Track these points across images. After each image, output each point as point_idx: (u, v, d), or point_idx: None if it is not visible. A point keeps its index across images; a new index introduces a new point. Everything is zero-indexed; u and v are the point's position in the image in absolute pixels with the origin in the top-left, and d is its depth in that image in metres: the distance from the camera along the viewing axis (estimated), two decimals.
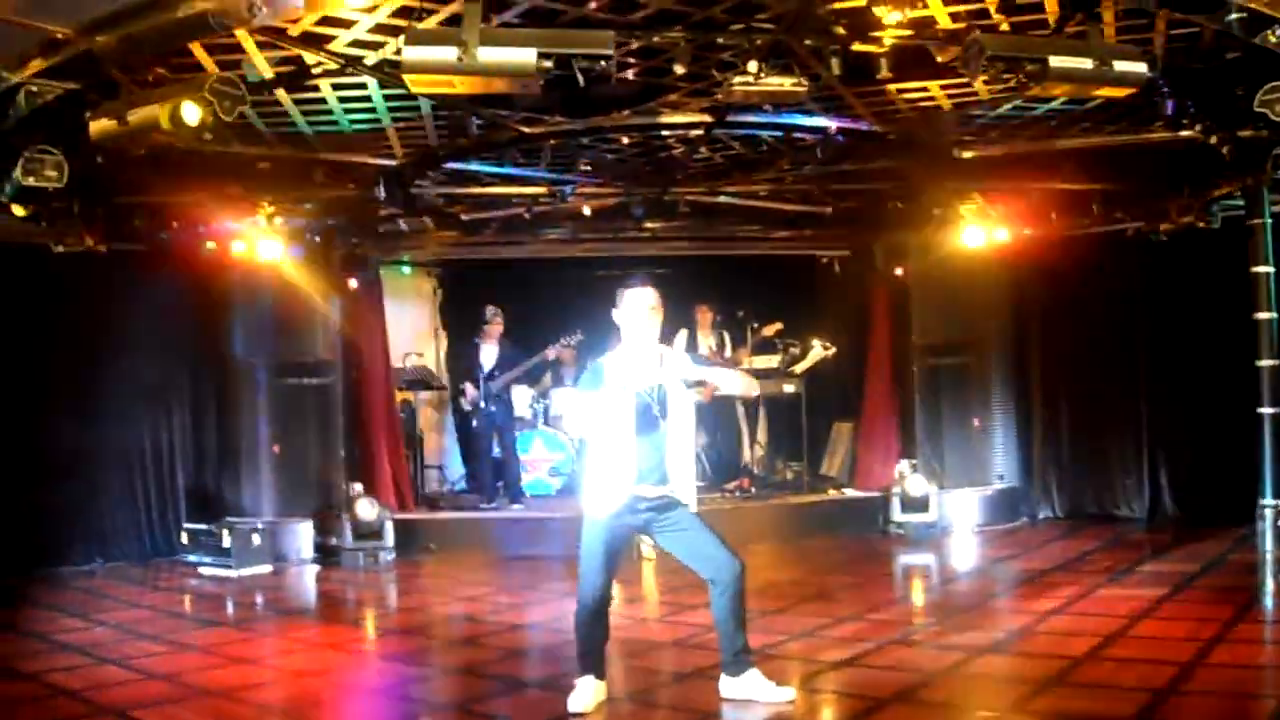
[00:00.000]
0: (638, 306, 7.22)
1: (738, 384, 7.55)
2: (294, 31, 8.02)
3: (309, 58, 8.54)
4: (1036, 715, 6.76)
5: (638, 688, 7.78)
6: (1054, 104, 10.31)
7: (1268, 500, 11.29)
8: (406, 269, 18.31)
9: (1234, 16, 7.30)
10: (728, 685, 7.14)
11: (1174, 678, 7.16)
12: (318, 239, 14.15)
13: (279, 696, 7.85)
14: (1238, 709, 6.68)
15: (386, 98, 9.77)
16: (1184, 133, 10.65)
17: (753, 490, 15.70)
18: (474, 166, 12.31)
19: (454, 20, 7.33)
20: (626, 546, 7.35)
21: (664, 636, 9.29)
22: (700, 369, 7.15)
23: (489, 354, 15.38)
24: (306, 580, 13.00)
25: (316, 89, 9.44)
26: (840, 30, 8.39)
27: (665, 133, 11.17)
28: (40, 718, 7.15)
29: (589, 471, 7.19)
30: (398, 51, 7.53)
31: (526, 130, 10.51)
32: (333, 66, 8.65)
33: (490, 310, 15.58)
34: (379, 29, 8.08)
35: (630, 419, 7.01)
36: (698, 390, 7.14)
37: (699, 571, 7.09)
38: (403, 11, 7.70)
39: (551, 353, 15.84)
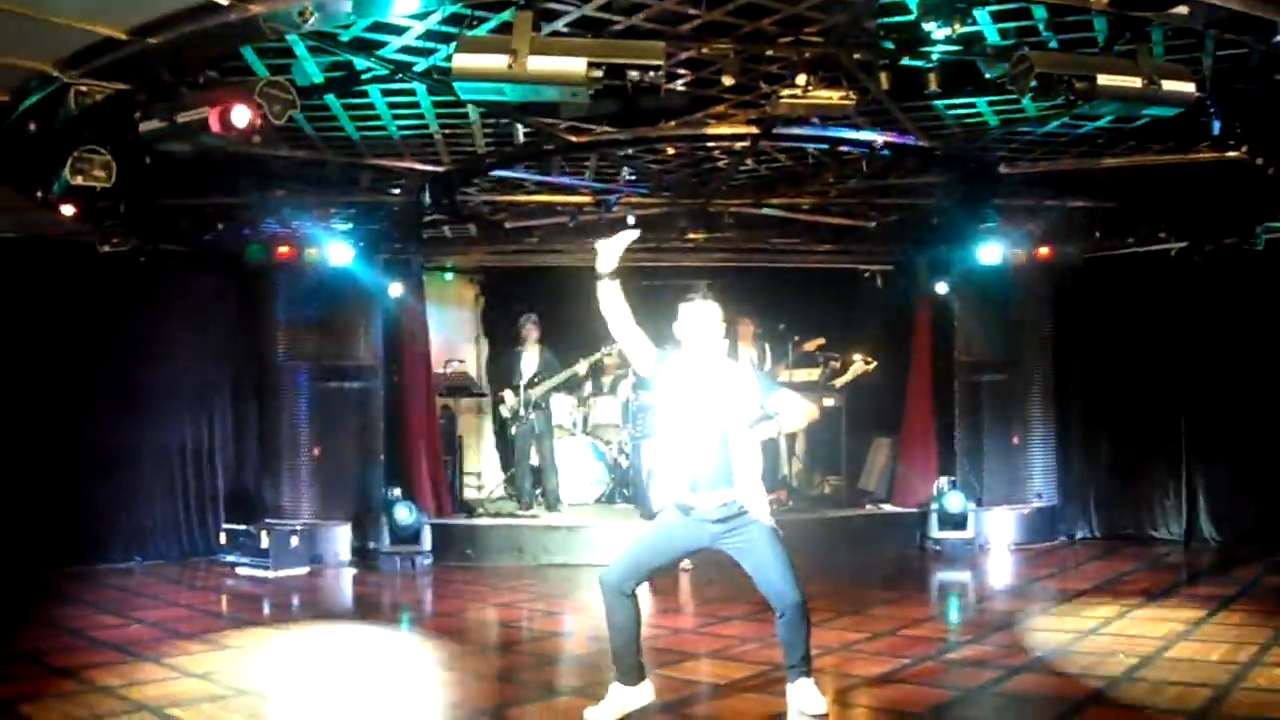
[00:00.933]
0: (697, 322, 7.22)
1: (800, 419, 7.45)
2: (345, 37, 8.06)
3: (359, 63, 8.58)
4: None
5: (674, 698, 7.77)
6: (1101, 122, 10.29)
7: None
8: (450, 275, 18.37)
9: None
10: (788, 689, 7.17)
11: (1210, 699, 7.12)
12: (362, 243, 14.21)
13: (314, 697, 7.87)
14: None
15: (435, 104, 9.81)
16: (1230, 153, 10.62)
17: (790, 503, 15.66)
18: (519, 174, 12.33)
19: (505, 29, 7.35)
20: (683, 553, 7.32)
21: (699, 648, 9.28)
22: (770, 393, 7.12)
23: (530, 361, 15.41)
24: (343, 583, 13.06)
25: (365, 94, 9.48)
26: (889, 45, 8.40)
27: (711, 144, 11.17)
28: (76, 713, 7.18)
29: (657, 475, 7.21)
30: (448, 59, 7.55)
31: (573, 139, 10.53)
32: (382, 72, 8.68)
33: (524, 318, 15.60)
34: (430, 35, 8.11)
35: (685, 424, 7.03)
36: (765, 427, 7.06)
37: (763, 594, 7.08)
38: (453, 19, 7.73)
39: (583, 368, 15.82)
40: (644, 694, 7.22)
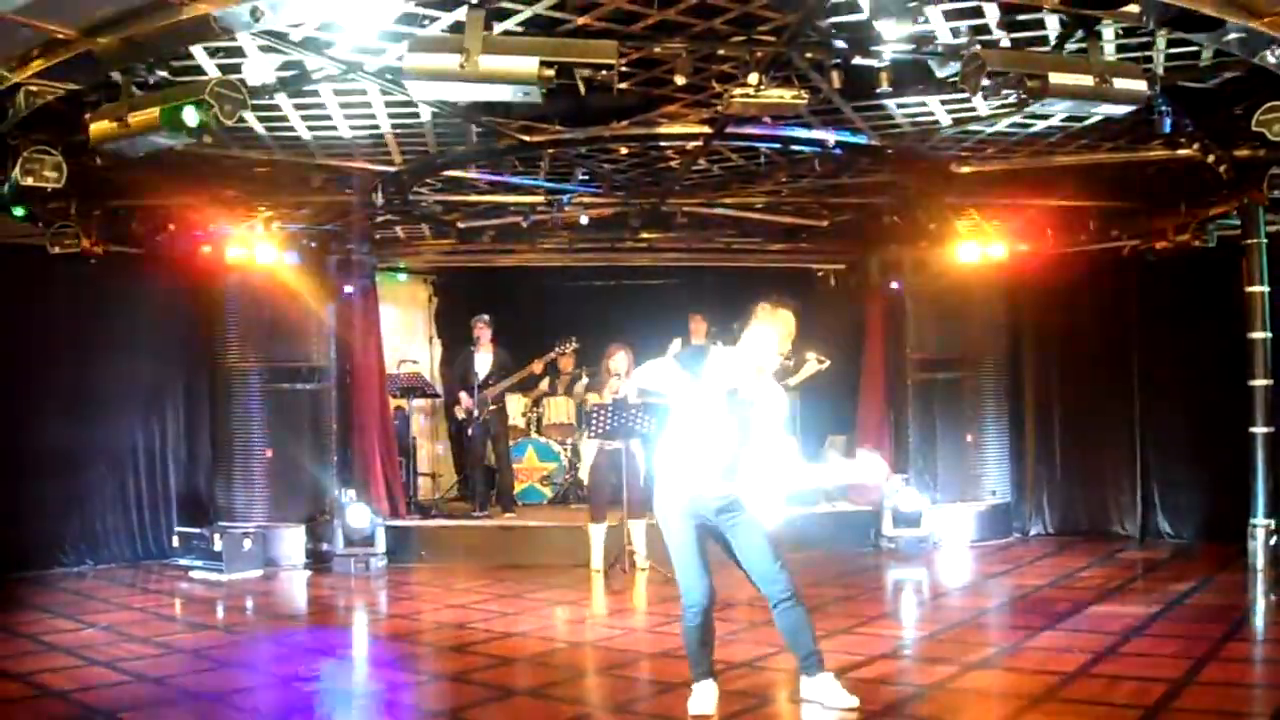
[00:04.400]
0: (783, 331, 7.13)
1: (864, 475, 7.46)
2: (296, 36, 8.02)
3: (310, 63, 8.54)
4: None
5: (624, 699, 7.77)
6: (1053, 121, 10.33)
7: (1259, 519, 11.34)
8: (402, 276, 18.35)
9: (1233, 36, 7.33)
10: (804, 685, 7.17)
11: (1165, 695, 7.15)
12: (314, 244, 14.16)
13: (268, 701, 7.83)
14: None
15: (387, 104, 9.78)
16: (1182, 151, 10.71)
17: None
18: (472, 174, 12.31)
19: (457, 28, 7.33)
20: (709, 541, 7.29)
21: (650, 648, 9.28)
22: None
23: (483, 361, 15.34)
24: (297, 585, 12.99)
25: (317, 94, 9.44)
26: (841, 44, 8.41)
27: (663, 144, 11.18)
28: (29, 719, 7.13)
29: (664, 469, 7.15)
30: (400, 58, 7.53)
31: (525, 139, 10.51)
32: (334, 72, 8.65)
33: (477, 318, 15.53)
34: (382, 35, 8.09)
35: (719, 417, 7.00)
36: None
37: (759, 589, 7.08)
38: (406, 18, 7.71)
39: (538, 366, 15.82)
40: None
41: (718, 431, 6.98)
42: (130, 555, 13.93)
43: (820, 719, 7.11)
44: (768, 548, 7.01)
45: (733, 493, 7.02)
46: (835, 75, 8.60)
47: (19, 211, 10.52)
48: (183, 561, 13.52)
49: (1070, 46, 7.92)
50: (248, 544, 13.23)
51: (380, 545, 13.57)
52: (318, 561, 13.81)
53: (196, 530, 13.60)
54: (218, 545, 13.05)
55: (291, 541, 13.99)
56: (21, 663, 8.67)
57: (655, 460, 7.32)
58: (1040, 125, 10.62)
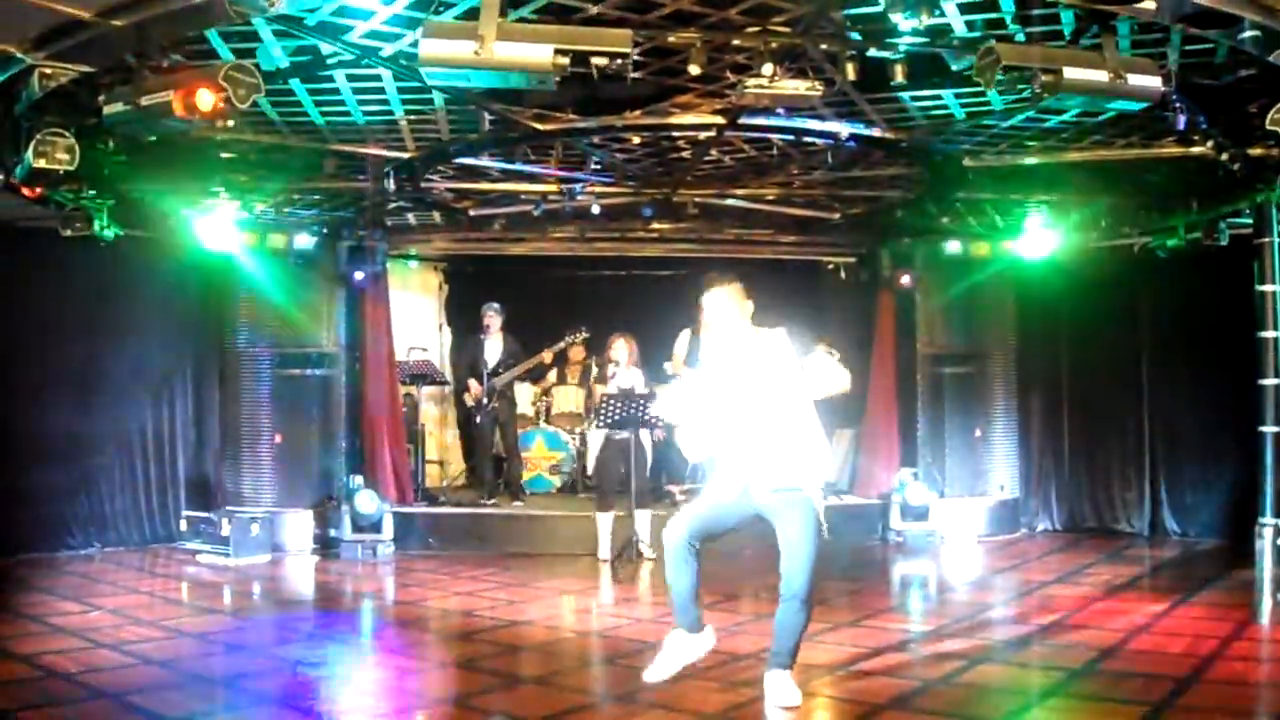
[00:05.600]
0: (710, 307, 7.41)
1: (832, 384, 7.43)
2: (310, 21, 8.01)
3: (325, 48, 8.53)
4: None
5: (630, 689, 7.77)
6: (1066, 116, 10.30)
7: (1267, 519, 11.28)
8: (413, 263, 18.33)
9: (1249, 34, 7.30)
10: (766, 676, 7.14)
11: (1171, 692, 7.16)
12: (325, 230, 14.16)
13: (274, 686, 7.83)
14: None
15: (400, 90, 9.77)
16: (1195, 149, 10.66)
17: None
18: (484, 162, 12.30)
19: (471, 14, 7.31)
20: (737, 520, 7.22)
21: (656, 638, 9.26)
22: (803, 360, 7.14)
23: (493, 350, 15.33)
24: (304, 571, 13.02)
25: (331, 79, 9.43)
26: (856, 35, 8.39)
27: (676, 134, 11.16)
28: (35, 700, 7.13)
29: (719, 458, 7.20)
30: (414, 44, 7.52)
31: (538, 127, 10.49)
32: (349, 57, 8.64)
33: (487, 306, 15.53)
34: (396, 20, 8.07)
35: (731, 410, 7.04)
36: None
37: (781, 572, 7.07)
38: (420, 4, 7.70)
39: (548, 356, 15.83)
40: (708, 638, 7.33)
41: (741, 407, 7.04)
42: (138, 539, 13.97)
43: (825, 710, 7.13)
44: (804, 548, 6.99)
45: (786, 475, 7.03)
46: (850, 67, 8.57)
47: (31, 193, 10.51)
48: (190, 545, 13.54)
49: (1085, 42, 7.91)
50: (255, 529, 13.26)
51: (388, 532, 13.60)
52: (325, 547, 13.85)
53: (204, 514, 13.63)
54: (225, 530, 13.07)
55: (299, 527, 14.03)
56: (27, 644, 8.69)
57: (709, 449, 7.34)
58: (1053, 120, 10.59)
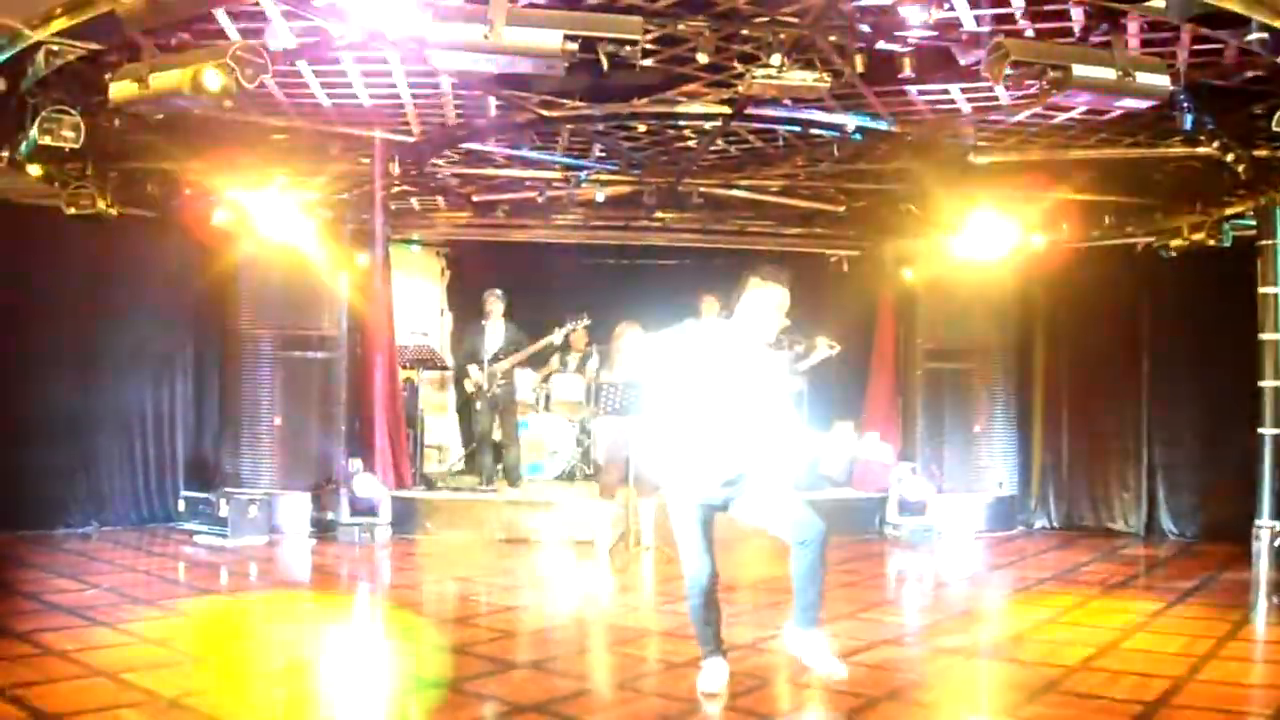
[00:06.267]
0: (777, 303, 7.04)
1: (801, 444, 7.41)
2: (319, 2, 8.01)
3: (333, 29, 8.53)
4: None
5: (626, 676, 7.78)
6: (1073, 113, 10.30)
7: (1264, 521, 11.32)
8: (416, 247, 18.36)
9: (1256, 36, 7.31)
10: (790, 635, 7.11)
11: (1166, 691, 7.16)
12: (329, 213, 14.15)
13: (270, 666, 7.84)
14: None
15: (407, 73, 9.76)
16: (1201, 149, 10.66)
17: None
18: (489, 147, 12.30)
19: None
20: (715, 521, 7.24)
21: (654, 626, 9.30)
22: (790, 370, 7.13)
23: (494, 336, 15.32)
24: (301, 553, 13.02)
25: (338, 61, 9.43)
26: (865, 28, 8.39)
27: (682, 123, 11.16)
28: (31, 678, 7.12)
29: (671, 453, 7.11)
30: (424, 26, 7.50)
31: (544, 113, 10.50)
32: (356, 39, 8.63)
33: (489, 292, 15.53)
34: (405, 2, 8.06)
35: (713, 398, 6.96)
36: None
37: (784, 536, 6.95)
38: None
39: (556, 338, 15.82)
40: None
41: (718, 410, 6.94)
42: (135, 518, 13.99)
43: (821, 701, 7.15)
44: (798, 499, 7.02)
45: (741, 469, 6.97)
46: (858, 59, 8.58)
47: (35, 171, 10.51)
48: (188, 526, 13.55)
49: (1094, 39, 7.91)
50: (253, 511, 13.26)
51: (385, 516, 13.61)
52: (323, 530, 13.83)
53: (202, 495, 13.61)
54: (223, 511, 13.07)
55: (297, 509, 14.01)
56: (24, 621, 8.68)
57: (657, 442, 7.28)
58: (1060, 117, 10.59)
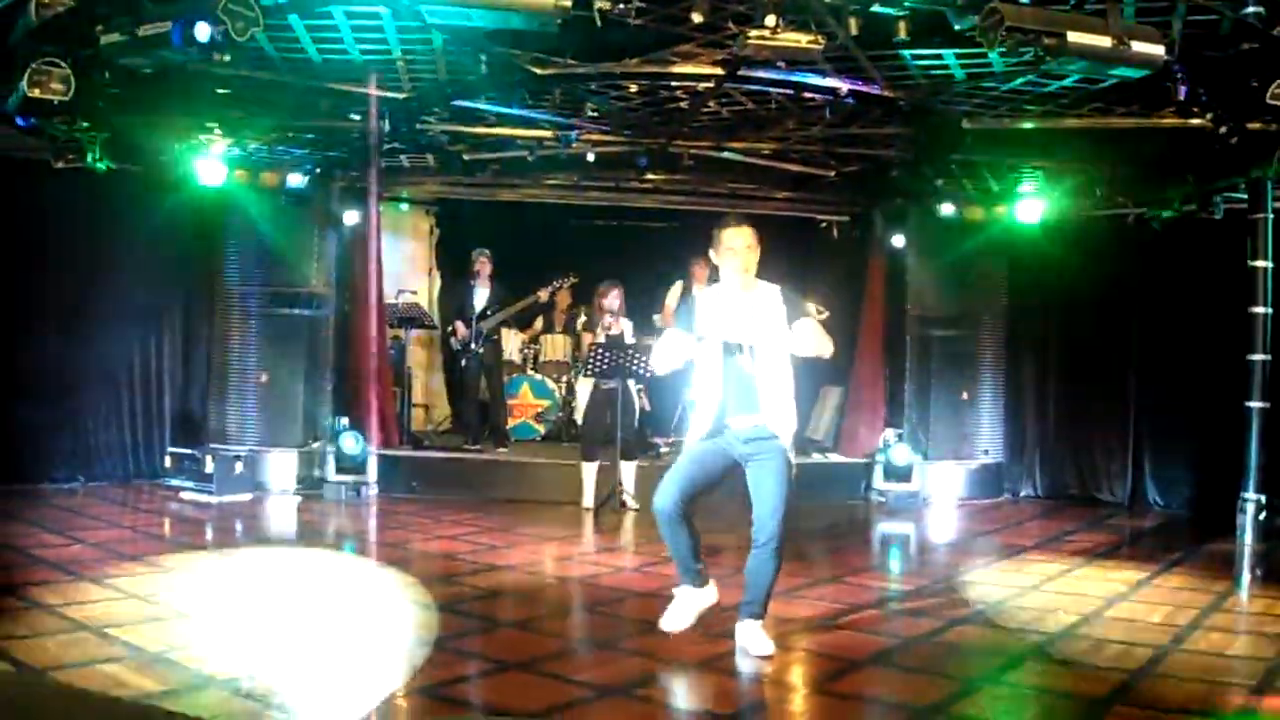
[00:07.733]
0: (734, 244, 7.18)
1: (813, 348, 7.41)
2: None
3: None
4: (1011, 687, 6.80)
5: (605, 635, 7.80)
6: (1067, 81, 10.27)
7: (1249, 494, 11.35)
8: (405, 205, 18.36)
9: (1252, 9, 7.30)
10: (738, 627, 7.25)
11: (1149, 660, 7.19)
12: (318, 170, 14.10)
13: (254, 621, 7.84)
14: (1210, 695, 6.69)
15: (399, 29, 9.71)
16: (1194, 120, 10.64)
17: None
18: (480, 105, 12.25)
19: None
20: (720, 472, 7.26)
21: (637, 586, 9.30)
22: (795, 320, 7.13)
23: (481, 295, 15.32)
24: (287, 510, 13.02)
25: (329, 15, 9.37)
26: None
27: (675, 83, 11.13)
28: (15, 631, 7.12)
29: (697, 408, 7.25)
30: None
31: (536, 71, 10.45)
32: None
33: (477, 252, 15.52)
34: None
35: (718, 357, 7.10)
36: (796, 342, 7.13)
37: (753, 520, 7.09)
38: None
39: (544, 295, 15.78)
40: (711, 593, 7.48)
41: (726, 371, 7.07)
42: (122, 474, 14.00)
43: (803, 663, 7.16)
44: (776, 495, 7.01)
45: (762, 423, 7.08)
46: (853, 22, 8.54)
47: (24, 123, 10.45)
48: (174, 482, 13.54)
49: (1090, 7, 7.88)
50: (239, 467, 13.28)
51: (371, 474, 13.64)
52: (309, 487, 13.84)
53: (189, 451, 13.60)
54: (209, 467, 13.07)
55: (283, 466, 14.03)
56: (10, 575, 8.68)
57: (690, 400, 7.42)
58: (1054, 85, 10.56)
